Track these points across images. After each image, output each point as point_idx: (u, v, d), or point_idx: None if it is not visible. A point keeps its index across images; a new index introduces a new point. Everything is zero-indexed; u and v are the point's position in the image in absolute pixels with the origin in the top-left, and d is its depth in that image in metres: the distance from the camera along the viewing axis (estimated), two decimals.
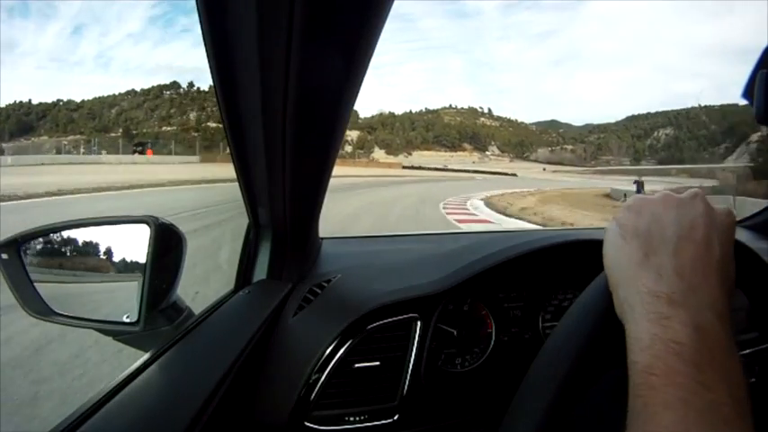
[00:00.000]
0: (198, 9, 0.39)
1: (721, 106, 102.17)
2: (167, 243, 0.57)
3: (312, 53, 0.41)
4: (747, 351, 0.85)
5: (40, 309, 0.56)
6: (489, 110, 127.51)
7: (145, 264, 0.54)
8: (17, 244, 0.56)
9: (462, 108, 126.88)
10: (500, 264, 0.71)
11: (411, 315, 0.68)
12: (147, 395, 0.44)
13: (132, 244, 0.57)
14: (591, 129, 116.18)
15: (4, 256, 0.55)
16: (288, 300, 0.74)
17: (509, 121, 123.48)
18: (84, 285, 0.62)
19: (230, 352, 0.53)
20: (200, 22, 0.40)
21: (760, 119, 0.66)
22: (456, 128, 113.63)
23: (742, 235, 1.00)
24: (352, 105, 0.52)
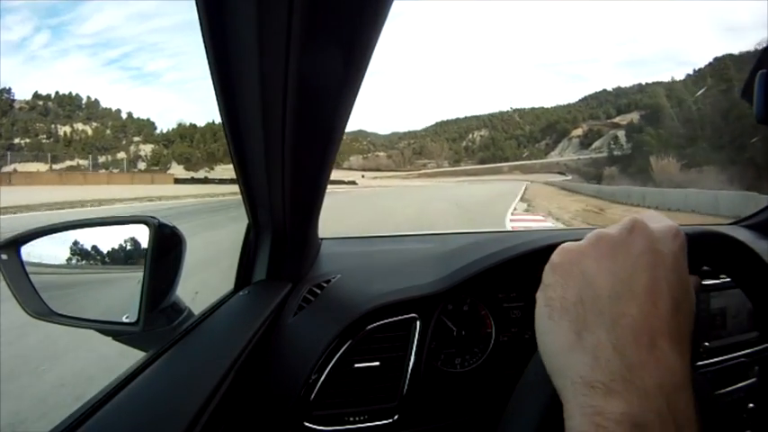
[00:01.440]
0: (198, 9, 0.39)
1: (532, 108, 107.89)
2: (167, 243, 0.57)
3: (312, 54, 0.41)
4: (747, 351, 0.85)
5: (39, 309, 0.56)
6: None
7: (145, 264, 0.54)
8: (17, 244, 0.56)
9: None
10: (500, 264, 0.71)
11: (411, 315, 0.68)
12: (147, 395, 0.44)
13: (132, 244, 0.57)
14: (400, 136, 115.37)
15: (4, 256, 0.55)
16: (287, 300, 0.74)
17: None
18: (84, 285, 0.62)
19: (230, 352, 0.53)
20: (200, 22, 0.40)
21: (760, 119, 0.66)
22: None
23: (742, 235, 1.00)
24: (352, 106, 0.52)
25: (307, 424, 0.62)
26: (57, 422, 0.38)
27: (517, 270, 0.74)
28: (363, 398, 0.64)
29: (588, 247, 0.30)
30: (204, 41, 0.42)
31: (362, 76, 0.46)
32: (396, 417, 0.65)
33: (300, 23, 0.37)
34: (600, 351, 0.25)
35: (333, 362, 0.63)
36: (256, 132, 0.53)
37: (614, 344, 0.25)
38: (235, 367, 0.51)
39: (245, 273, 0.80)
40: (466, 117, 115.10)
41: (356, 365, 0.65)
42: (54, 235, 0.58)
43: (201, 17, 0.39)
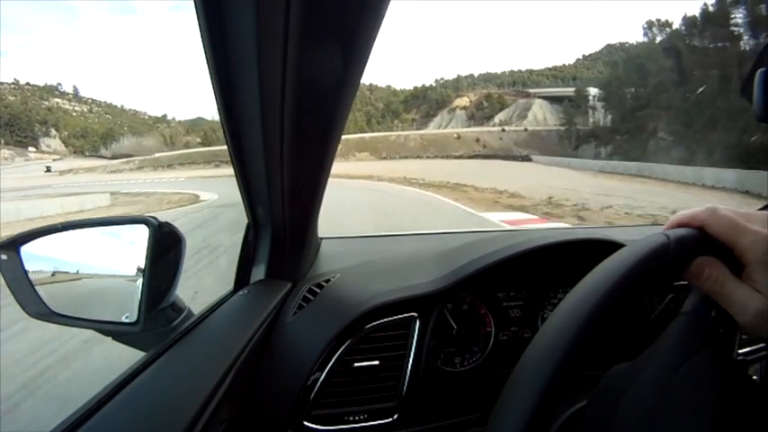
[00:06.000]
0: (197, 9, 0.39)
1: (388, 86, 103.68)
2: (166, 243, 0.57)
3: (309, 53, 0.41)
4: (747, 350, 0.85)
5: (39, 309, 0.56)
6: (75, 89, 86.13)
7: (144, 264, 0.54)
8: (17, 244, 0.56)
9: (27, 84, 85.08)
10: (499, 263, 0.71)
11: (410, 314, 0.68)
12: (147, 395, 0.44)
13: (132, 244, 0.57)
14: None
15: (4, 256, 0.55)
16: (287, 299, 0.74)
17: (109, 106, 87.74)
18: (83, 285, 0.62)
19: (230, 352, 0.53)
20: (199, 22, 0.40)
21: (759, 118, 0.66)
22: None
23: None
24: (351, 104, 0.52)
25: (306, 423, 0.62)
26: None
27: (516, 269, 0.74)
28: (363, 397, 0.64)
29: None
30: (203, 41, 0.42)
31: (361, 75, 0.47)
32: (395, 416, 0.65)
33: (298, 23, 0.37)
34: None
35: (332, 361, 0.64)
36: (255, 132, 0.53)
37: None
38: (234, 367, 0.51)
39: (245, 272, 0.80)
40: None
41: (356, 365, 0.65)
42: (54, 235, 0.58)
43: (200, 17, 0.39)
